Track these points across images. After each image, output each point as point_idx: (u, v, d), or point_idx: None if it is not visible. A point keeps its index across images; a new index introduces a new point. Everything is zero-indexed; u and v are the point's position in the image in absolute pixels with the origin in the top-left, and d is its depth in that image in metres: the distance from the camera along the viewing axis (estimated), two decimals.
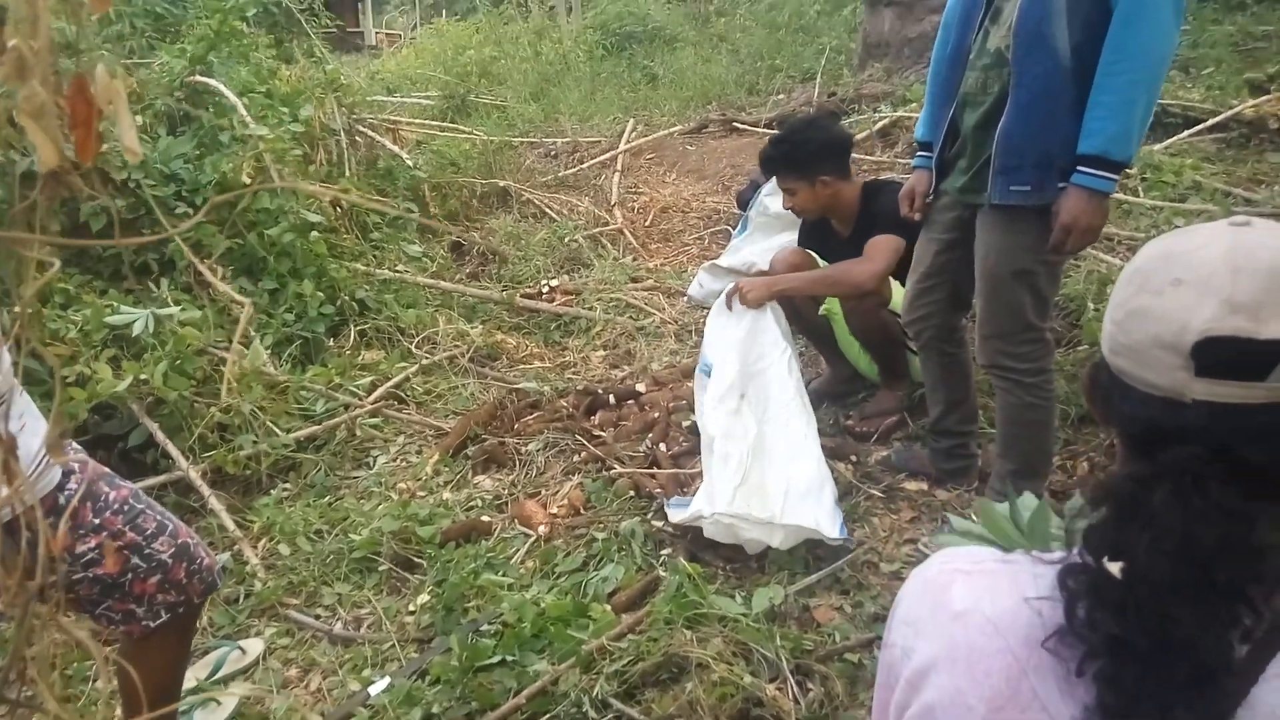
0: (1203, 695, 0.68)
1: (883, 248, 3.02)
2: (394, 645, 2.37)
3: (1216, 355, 0.71)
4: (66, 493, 1.57)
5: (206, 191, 4.04)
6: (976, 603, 0.81)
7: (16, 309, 0.75)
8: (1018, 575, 0.81)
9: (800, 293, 3.23)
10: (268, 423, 3.23)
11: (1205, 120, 5.15)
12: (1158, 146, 4.91)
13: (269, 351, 3.59)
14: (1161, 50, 2.06)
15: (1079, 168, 2.15)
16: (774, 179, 4.50)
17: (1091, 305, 3.40)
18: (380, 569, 2.69)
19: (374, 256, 4.67)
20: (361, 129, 5.73)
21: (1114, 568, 0.72)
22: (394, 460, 3.32)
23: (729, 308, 3.11)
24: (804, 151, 3.11)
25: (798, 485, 2.59)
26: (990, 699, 0.76)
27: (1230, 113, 5.13)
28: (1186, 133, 5.09)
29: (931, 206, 2.64)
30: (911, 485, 2.87)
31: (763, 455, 2.70)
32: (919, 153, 2.67)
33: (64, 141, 0.62)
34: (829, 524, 2.50)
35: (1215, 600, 0.68)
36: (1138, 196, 4.41)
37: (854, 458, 3.03)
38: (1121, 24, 2.05)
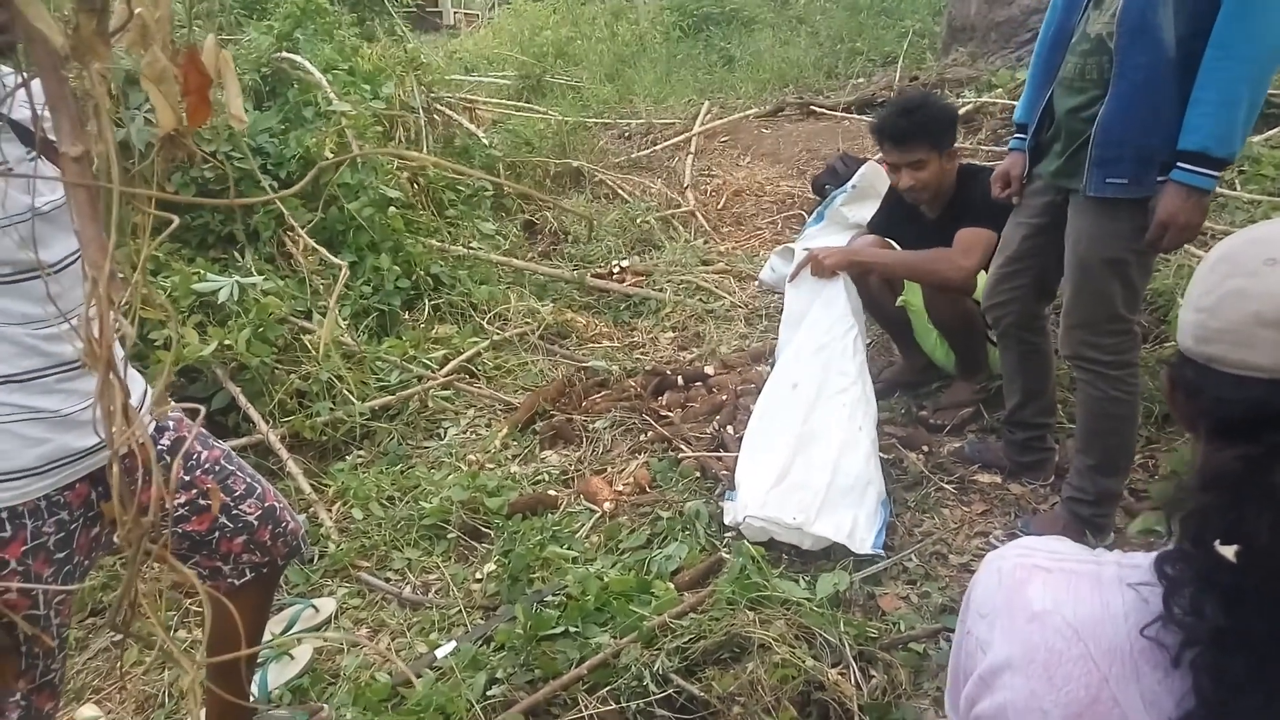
0: None
1: (977, 242, 2.89)
2: (461, 611, 2.43)
3: None
4: (158, 448, 1.63)
5: (291, 165, 4.15)
6: (1057, 605, 0.79)
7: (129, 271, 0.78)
8: (1101, 576, 0.80)
9: (884, 271, 3.11)
10: (344, 391, 3.31)
11: None
12: (1258, 139, 4.69)
13: (347, 322, 3.68)
14: (1271, 46, 1.97)
15: (1179, 164, 2.07)
16: (860, 173, 4.45)
17: (1180, 300, 3.28)
18: (449, 537, 2.74)
19: (449, 233, 4.74)
20: (439, 107, 5.81)
21: (1227, 552, 0.69)
22: (464, 432, 3.38)
23: (791, 278, 3.06)
24: (940, 119, 2.99)
25: (842, 480, 2.54)
26: (1067, 705, 0.75)
27: None
28: None
29: (1025, 190, 2.58)
30: (985, 478, 2.81)
31: (810, 445, 2.64)
32: (1016, 134, 2.61)
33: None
34: (865, 528, 2.46)
35: None
36: (1235, 190, 4.23)
37: (926, 448, 2.99)
38: (1229, 17, 1.96)
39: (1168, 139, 2.09)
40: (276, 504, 1.81)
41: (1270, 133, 4.79)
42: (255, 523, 1.75)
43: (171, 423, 1.67)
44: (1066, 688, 0.75)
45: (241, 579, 1.77)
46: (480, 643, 2.26)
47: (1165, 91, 2.09)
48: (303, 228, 4.05)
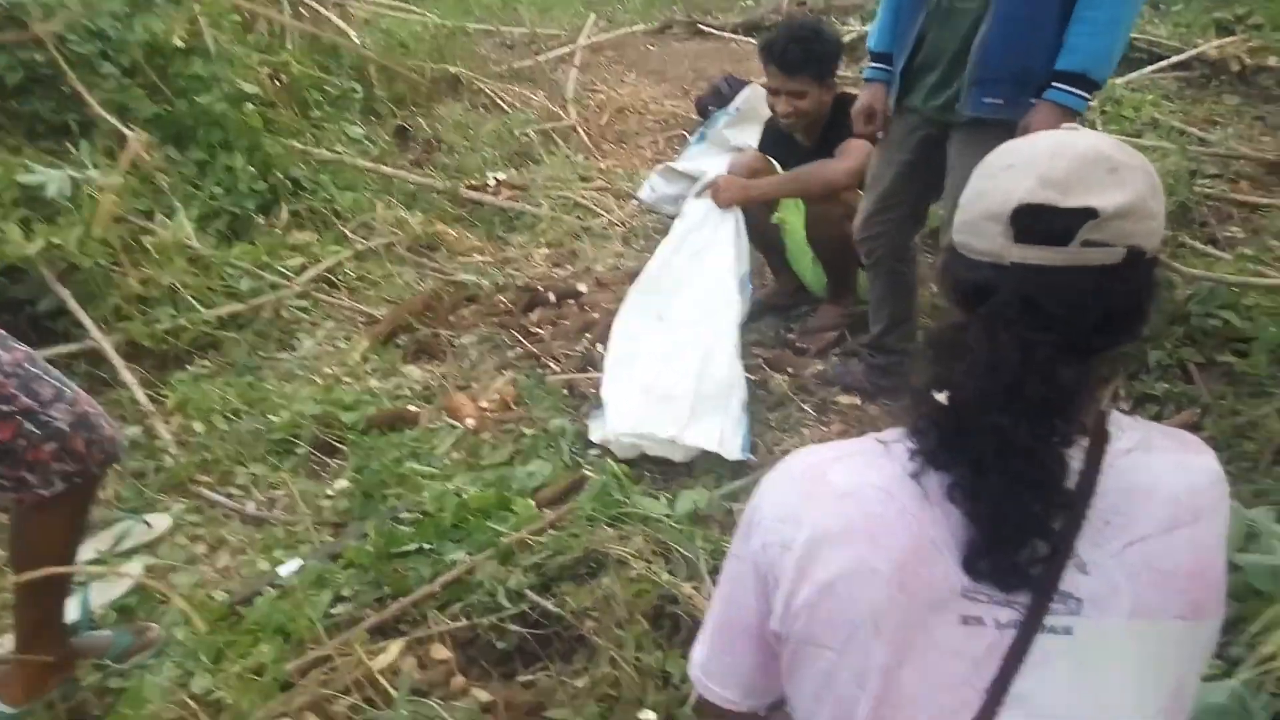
0: (1051, 486, 0.83)
1: (856, 147, 2.92)
2: (308, 528, 2.32)
3: (1029, 221, 0.85)
4: None
5: (134, 51, 3.80)
6: (863, 477, 0.90)
7: None
8: (888, 448, 0.91)
9: (774, 195, 3.16)
10: (189, 297, 3.09)
11: (1169, 57, 5.11)
12: (1120, 80, 4.86)
13: (194, 225, 3.42)
14: None
15: (1055, 84, 2.09)
16: (743, 96, 4.43)
17: None
18: (299, 452, 2.62)
19: (313, 135, 4.45)
20: (307, 1, 5.42)
21: (941, 398, 0.86)
22: (321, 344, 3.22)
23: (697, 194, 3.11)
24: (829, 48, 3.01)
25: (708, 387, 2.58)
26: (895, 558, 0.84)
27: (1194, 51, 5.09)
28: (1149, 69, 5.04)
29: (892, 123, 2.54)
30: (845, 400, 2.86)
31: (674, 354, 2.67)
32: (873, 64, 2.55)
33: None
34: (731, 437, 2.51)
35: (1030, 413, 0.82)
36: (1096, 129, 4.37)
37: (791, 370, 3.01)
38: None
39: (1046, 60, 2.10)
40: (90, 409, 1.67)
41: (1132, 75, 4.97)
42: (66, 429, 1.61)
43: None
44: (893, 541, 0.85)
45: (52, 489, 1.63)
46: (328, 560, 2.17)
47: (1049, 11, 2.09)
48: (147, 121, 3.73)
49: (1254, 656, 1.52)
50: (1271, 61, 5.02)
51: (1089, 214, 0.83)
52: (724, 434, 2.51)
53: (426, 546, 2.13)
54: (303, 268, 3.56)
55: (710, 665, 1.03)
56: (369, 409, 2.77)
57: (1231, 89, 4.94)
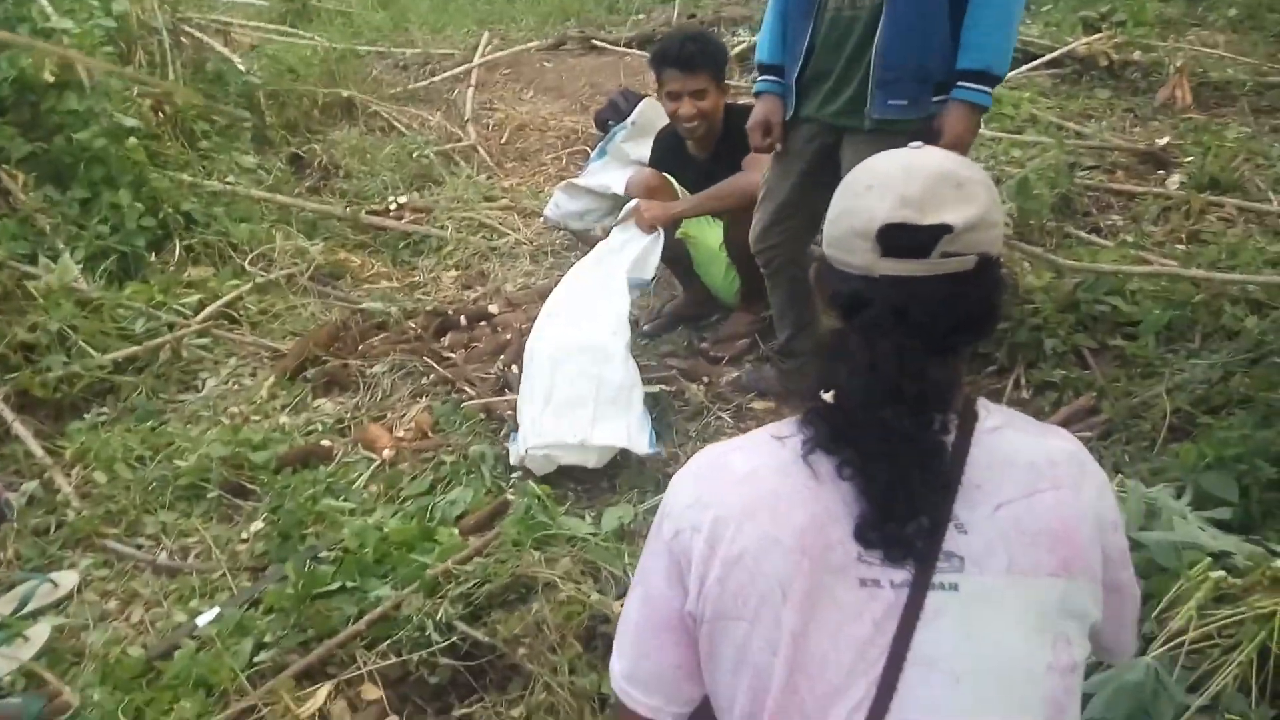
0: (933, 468, 0.94)
1: (759, 158, 2.93)
2: (224, 575, 2.26)
3: (894, 238, 0.95)
4: None
5: (3, 89, 3.65)
6: (761, 462, 1.00)
7: None
8: (779, 436, 1.01)
9: (695, 214, 3.17)
10: (80, 343, 2.97)
11: (1042, 56, 5.35)
12: None
13: (81, 266, 3.29)
14: None
15: (961, 83, 2.17)
16: (639, 110, 4.47)
17: None
18: (209, 496, 2.54)
19: (203, 167, 4.32)
20: (187, 29, 5.25)
21: (828, 397, 0.96)
22: (225, 383, 3.13)
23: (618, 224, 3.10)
24: (723, 51, 3.10)
25: (607, 391, 2.60)
26: (795, 528, 0.93)
27: (1065, 49, 5.34)
28: (1025, 67, 5.27)
29: (789, 134, 2.59)
30: (760, 405, 2.91)
31: (572, 365, 2.68)
32: (764, 77, 2.59)
33: None
34: (638, 433, 2.55)
35: (908, 407, 0.92)
36: (981, 127, 4.55)
37: (706, 379, 3.05)
38: None
39: (943, 59, 2.18)
40: None
41: (1010, 74, 5.17)
42: None
43: None
44: (791, 514, 0.94)
45: None
46: (247, 607, 2.11)
47: (939, 11, 2.17)
48: (22, 160, 3.58)
49: (1164, 632, 1.58)
50: (1136, 56, 5.32)
51: (944, 229, 0.94)
52: (630, 430, 2.54)
53: (349, 584, 2.09)
54: (201, 305, 3.45)
55: (633, 673, 1.05)
56: (280, 447, 2.70)
57: (1102, 83, 5.20)
